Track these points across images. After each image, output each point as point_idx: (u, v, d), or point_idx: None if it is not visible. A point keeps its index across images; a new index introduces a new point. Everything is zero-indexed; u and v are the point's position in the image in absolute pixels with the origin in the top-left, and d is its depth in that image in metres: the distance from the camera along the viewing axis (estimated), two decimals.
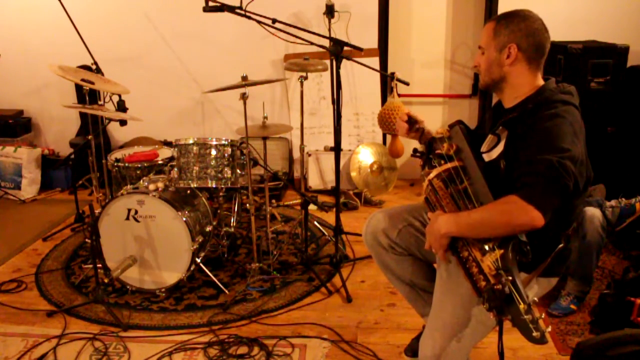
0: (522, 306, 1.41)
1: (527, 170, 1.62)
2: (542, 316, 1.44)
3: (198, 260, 3.15)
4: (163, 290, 3.12)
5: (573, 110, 1.74)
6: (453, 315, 1.85)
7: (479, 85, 1.99)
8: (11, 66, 4.97)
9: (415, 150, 2.10)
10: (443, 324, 1.87)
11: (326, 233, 3.84)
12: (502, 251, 1.58)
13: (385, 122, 2.75)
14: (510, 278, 1.47)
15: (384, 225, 2.22)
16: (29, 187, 4.95)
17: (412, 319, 2.75)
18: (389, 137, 4.48)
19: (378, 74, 4.69)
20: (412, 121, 2.19)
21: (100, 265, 3.08)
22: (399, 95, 2.87)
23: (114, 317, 2.91)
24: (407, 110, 2.29)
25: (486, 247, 1.62)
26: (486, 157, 1.88)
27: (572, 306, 2.85)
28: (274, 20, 2.92)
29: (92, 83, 3.39)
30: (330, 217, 4.04)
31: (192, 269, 3.11)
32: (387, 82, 4.73)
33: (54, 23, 4.63)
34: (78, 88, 4.99)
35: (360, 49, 2.94)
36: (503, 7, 4.39)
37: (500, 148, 1.83)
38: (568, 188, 1.60)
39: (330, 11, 4.42)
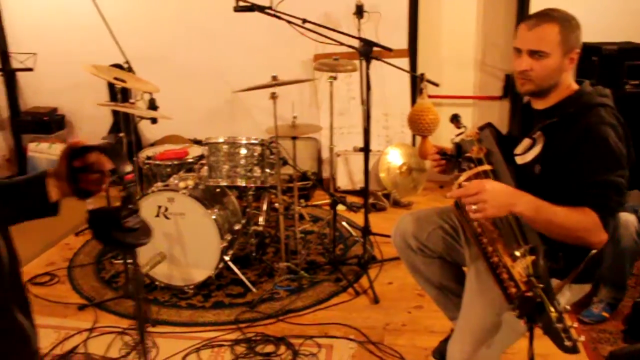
0: (553, 314, 1.39)
1: (596, 192, 1.66)
2: (575, 325, 1.41)
3: (226, 258, 3.17)
4: (191, 287, 3.15)
5: (615, 114, 1.74)
6: (483, 320, 1.83)
7: (522, 91, 1.88)
8: (47, 65, 5.06)
9: (444, 152, 2.08)
10: (472, 328, 1.85)
11: (354, 233, 3.83)
12: (533, 257, 1.56)
13: (415, 124, 2.73)
14: (542, 285, 1.45)
15: (413, 227, 2.21)
16: None
17: (439, 321, 2.73)
18: (418, 138, 4.44)
19: (407, 75, 4.67)
20: (445, 155, 2.08)
21: (130, 261, 3.13)
22: (429, 97, 2.85)
23: (143, 312, 2.95)
24: (433, 121, 2.27)
25: (517, 254, 1.60)
26: (519, 160, 1.86)
27: (605, 314, 2.80)
28: (304, 21, 2.92)
29: (124, 81, 3.43)
30: (358, 218, 4.04)
31: (220, 266, 3.14)
32: (417, 83, 4.70)
33: (89, 23, 4.68)
34: (110, 86, 5.07)
35: (389, 50, 2.93)
36: (535, 7, 4.33)
37: (535, 152, 1.81)
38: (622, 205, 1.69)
39: (359, 11, 4.41)
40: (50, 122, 5.23)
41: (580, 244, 1.65)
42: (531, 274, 1.52)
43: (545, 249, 1.57)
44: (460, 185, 1.81)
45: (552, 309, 1.40)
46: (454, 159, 1.97)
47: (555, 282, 1.75)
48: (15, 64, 4.97)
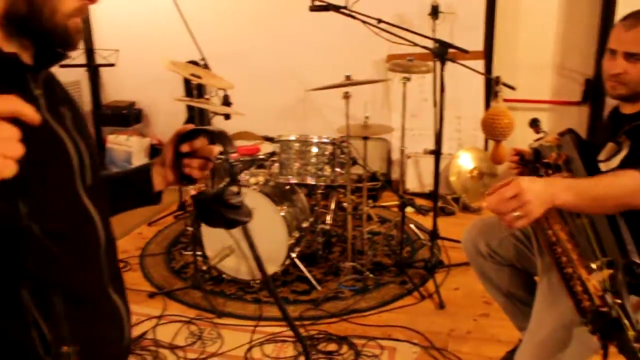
0: (630, 333, 1.32)
1: None
2: None
3: (293, 255, 3.20)
4: (257, 281, 3.20)
5: None
6: (552, 333, 1.77)
7: (613, 95, 1.80)
8: (127, 60, 5.25)
9: (521, 157, 2.03)
10: (541, 341, 1.79)
11: (422, 237, 3.79)
12: (610, 271, 1.49)
13: (489, 128, 2.67)
14: (619, 301, 1.39)
15: (484, 233, 2.17)
16: None
17: (506, 331, 2.66)
18: (491, 143, 4.35)
19: (482, 77, 4.57)
20: (523, 160, 2.02)
21: (199, 253, 3.21)
22: (504, 100, 2.78)
23: (209, 303, 3.02)
24: (508, 127, 2.19)
25: (593, 266, 1.54)
26: (603, 167, 1.78)
27: None
28: (379, 21, 2.91)
29: (200, 78, 3.52)
30: (426, 221, 3.99)
31: (287, 263, 3.17)
32: (491, 86, 4.59)
33: (168, 21, 4.84)
34: (186, 82, 5.20)
35: (465, 51, 2.88)
36: (622, 8, 4.15)
37: (621, 157, 1.73)
38: None
39: (435, 12, 4.35)
40: (128, 116, 5.44)
41: (633, 208, 1.52)
42: (607, 289, 1.46)
43: (624, 262, 1.50)
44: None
45: (630, 327, 1.34)
46: (531, 165, 1.92)
47: (634, 299, 1.67)
48: (98, 60, 5.19)
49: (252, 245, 1.12)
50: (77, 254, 1.02)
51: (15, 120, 0.78)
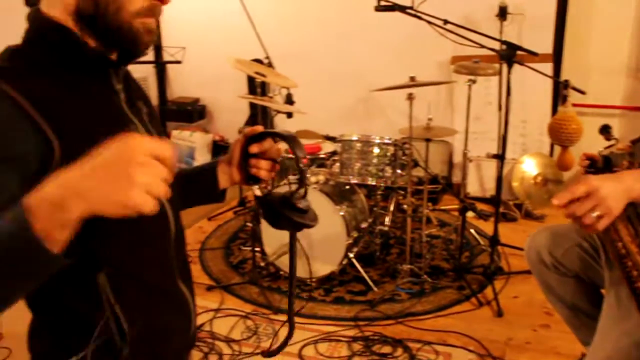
0: None
1: None
2: None
3: (351, 255, 3.20)
4: (314, 280, 3.22)
5: None
6: (619, 350, 1.70)
7: None
8: (194, 58, 5.37)
9: (590, 165, 1.96)
10: (606, 357, 1.73)
11: (482, 242, 3.71)
12: None
13: (556, 133, 2.60)
14: None
15: (549, 242, 2.10)
16: None
17: (567, 344, 2.58)
18: (557, 149, 4.22)
19: (549, 81, 4.44)
20: (591, 168, 1.94)
21: (258, 249, 3.25)
22: (572, 105, 2.69)
23: (266, 299, 3.06)
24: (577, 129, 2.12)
25: None
26: None
27: None
28: (446, 22, 2.87)
29: (265, 76, 3.56)
30: (487, 227, 3.92)
31: (344, 263, 3.17)
32: (560, 90, 4.45)
33: (234, 19, 4.93)
34: (250, 80, 5.29)
35: (535, 54, 2.80)
36: None
37: None
38: None
39: (503, 13, 4.25)
40: (192, 112, 5.58)
41: None
42: None
43: None
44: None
45: None
46: (601, 172, 1.85)
47: None
48: (166, 57, 5.33)
49: (292, 251, 1.13)
50: (149, 244, 1.07)
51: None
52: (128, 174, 0.72)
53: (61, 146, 0.88)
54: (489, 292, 3.12)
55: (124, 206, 0.74)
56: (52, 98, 0.90)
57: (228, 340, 2.74)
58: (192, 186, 1.29)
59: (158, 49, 5.48)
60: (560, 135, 2.57)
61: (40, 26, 0.96)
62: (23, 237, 0.73)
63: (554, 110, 4.43)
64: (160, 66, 5.65)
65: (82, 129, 0.92)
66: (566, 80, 2.88)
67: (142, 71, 5.59)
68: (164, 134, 1.14)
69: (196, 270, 3.46)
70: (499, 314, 2.94)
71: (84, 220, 0.76)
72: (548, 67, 4.39)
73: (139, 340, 1.04)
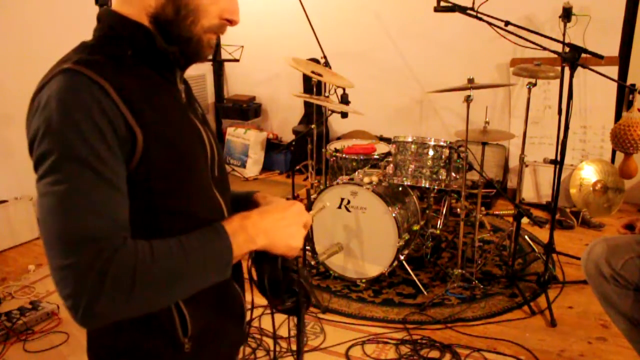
0: None
1: None
2: None
3: (401, 257, 3.18)
4: (364, 280, 3.21)
5: None
6: None
7: None
8: (251, 56, 5.43)
9: None
10: None
11: (536, 249, 3.62)
12: None
13: (620, 139, 2.52)
14: None
15: (608, 253, 2.04)
16: (253, 166, 5.44)
17: (625, 358, 2.50)
18: (619, 155, 4.08)
19: (614, 85, 4.28)
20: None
21: (309, 248, 3.26)
22: (638, 110, 2.60)
23: (315, 298, 3.07)
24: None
25: None
26: None
27: None
28: (507, 23, 2.81)
29: (321, 75, 3.58)
30: (542, 234, 3.83)
31: (394, 265, 3.15)
32: (625, 95, 4.30)
33: (292, 19, 4.98)
34: (305, 79, 5.32)
35: (601, 57, 2.70)
36: None
37: None
38: None
39: (567, 14, 4.12)
40: (248, 110, 5.65)
41: None
42: None
43: None
44: None
45: None
46: None
47: None
48: (224, 55, 5.42)
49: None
50: None
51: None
52: (300, 230, 1.11)
53: (144, 138, 0.93)
54: (542, 301, 3.05)
55: (292, 248, 1.09)
56: (132, 90, 0.94)
57: (276, 337, 2.76)
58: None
59: (217, 47, 5.57)
60: (624, 142, 2.49)
61: (116, 23, 1.00)
62: (226, 260, 0.98)
63: (618, 115, 4.28)
64: (218, 64, 5.75)
65: (158, 123, 0.96)
66: (632, 85, 2.78)
67: (200, 69, 5.70)
68: (214, 135, 1.17)
69: (246, 266, 3.49)
70: (552, 324, 2.86)
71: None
72: (614, 71, 4.24)
73: (198, 336, 1.07)
